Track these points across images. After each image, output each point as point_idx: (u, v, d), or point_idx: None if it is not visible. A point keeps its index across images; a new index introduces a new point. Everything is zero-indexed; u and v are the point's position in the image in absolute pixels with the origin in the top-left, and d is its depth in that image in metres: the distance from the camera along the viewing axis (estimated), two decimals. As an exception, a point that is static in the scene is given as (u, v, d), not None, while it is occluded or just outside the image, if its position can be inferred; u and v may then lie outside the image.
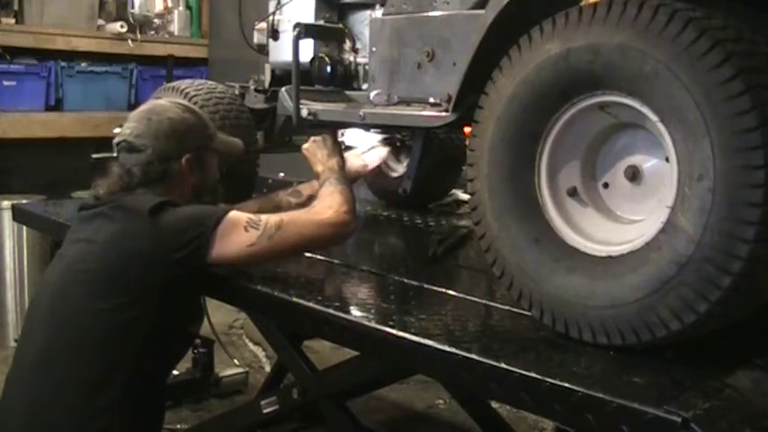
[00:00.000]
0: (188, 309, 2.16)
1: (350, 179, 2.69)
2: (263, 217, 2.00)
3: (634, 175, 1.58)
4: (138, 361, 1.96)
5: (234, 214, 1.99)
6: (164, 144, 2.10)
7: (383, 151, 2.92)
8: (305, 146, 2.37)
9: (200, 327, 2.32)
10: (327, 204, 2.06)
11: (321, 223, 2.03)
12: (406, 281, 2.13)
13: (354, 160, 2.73)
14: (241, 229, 1.97)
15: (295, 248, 2.09)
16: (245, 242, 1.96)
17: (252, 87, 2.89)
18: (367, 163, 2.77)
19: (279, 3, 2.70)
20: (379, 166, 2.97)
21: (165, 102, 2.28)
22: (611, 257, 1.53)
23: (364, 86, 2.49)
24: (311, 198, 2.29)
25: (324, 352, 3.76)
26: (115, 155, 2.13)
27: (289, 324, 2.62)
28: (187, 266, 1.96)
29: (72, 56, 5.46)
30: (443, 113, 2.03)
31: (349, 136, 2.82)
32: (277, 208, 2.36)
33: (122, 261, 1.95)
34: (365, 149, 2.84)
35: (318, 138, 2.37)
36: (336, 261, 2.33)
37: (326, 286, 2.16)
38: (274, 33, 2.71)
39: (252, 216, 2.00)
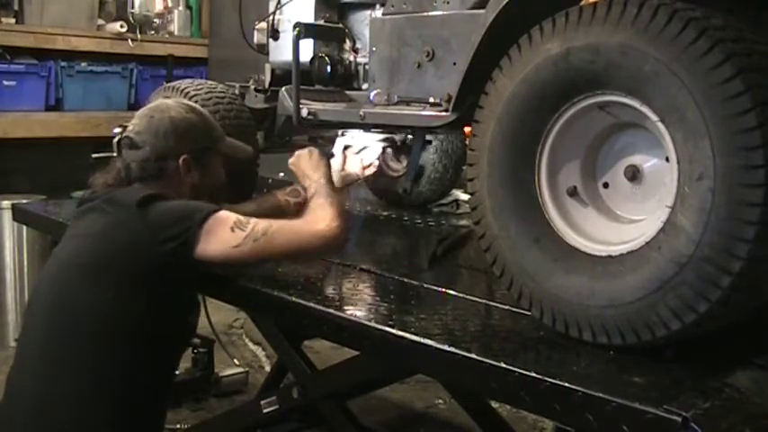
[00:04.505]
0: (183, 299, 2.15)
1: (349, 181, 2.69)
2: (253, 220, 1.97)
3: (634, 174, 1.58)
4: (137, 352, 1.95)
5: (222, 213, 1.97)
6: (162, 142, 2.10)
7: (380, 150, 2.91)
8: (290, 160, 2.32)
9: (198, 318, 2.31)
10: (320, 216, 2.02)
11: (311, 234, 1.99)
12: (406, 281, 2.13)
13: (352, 160, 2.72)
14: (227, 229, 1.95)
15: (280, 255, 2.06)
16: (230, 242, 1.94)
17: (252, 87, 2.90)
18: (365, 165, 2.76)
19: (279, 3, 2.70)
20: (379, 167, 2.96)
21: (172, 101, 2.27)
22: (611, 257, 1.53)
23: (364, 86, 2.50)
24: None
25: (324, 352, 3.76)
26: (115, 154, 2.15)
27: (289, 324, 2.62)
28: (175, 259, 1.95)
29: (72, 56, 5.45)
30: (443, 113, 2.03)
31: (348, 136, 2.82)
32: (276, 207, 2.34)
33: (112, 251, 1.96)
34: (362, 149, 2.83)
35: (303, 151, 2.32)
36: (336, 261, 2.33)
37: (326, 286, 2.16)
38: (274, 33, 2.71)
39: (241, 217, 1.98)
